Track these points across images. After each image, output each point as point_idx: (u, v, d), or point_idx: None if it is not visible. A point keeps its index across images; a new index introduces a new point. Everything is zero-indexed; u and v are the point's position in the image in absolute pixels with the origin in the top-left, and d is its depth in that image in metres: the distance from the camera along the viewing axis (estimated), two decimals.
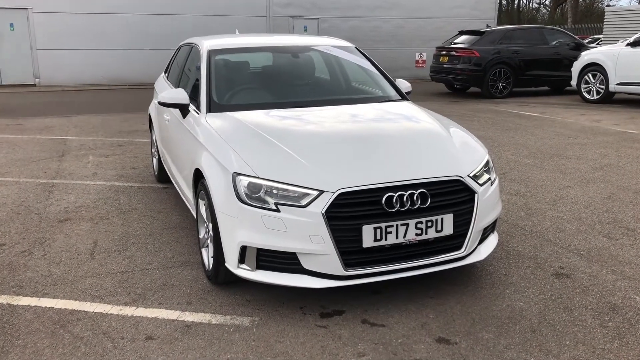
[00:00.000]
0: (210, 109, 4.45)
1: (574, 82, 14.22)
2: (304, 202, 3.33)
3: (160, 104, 4.69)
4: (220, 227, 3.59)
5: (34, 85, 19.24)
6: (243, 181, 3.46)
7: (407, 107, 4.76)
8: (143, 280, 4.02)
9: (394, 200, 3.37)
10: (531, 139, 9.14)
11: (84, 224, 5.23)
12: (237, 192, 3.45)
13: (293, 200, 3.35)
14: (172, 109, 5.10)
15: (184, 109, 4.70)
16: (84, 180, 6.77)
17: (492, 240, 3.95)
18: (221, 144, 3.82)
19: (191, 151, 4.29)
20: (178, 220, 5.31)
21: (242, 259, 3.51)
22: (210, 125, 4.16)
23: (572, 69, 14.27)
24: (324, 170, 3.45)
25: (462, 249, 3.59)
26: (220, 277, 3.75)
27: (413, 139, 4.03)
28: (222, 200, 3.57)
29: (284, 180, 3.39)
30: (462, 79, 15.42)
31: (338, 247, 3.30)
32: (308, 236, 3.30)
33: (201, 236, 4.10)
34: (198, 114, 4.47)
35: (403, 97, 5.11)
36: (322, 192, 3.33)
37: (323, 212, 3.28)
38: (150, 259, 4.40)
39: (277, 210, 3.34)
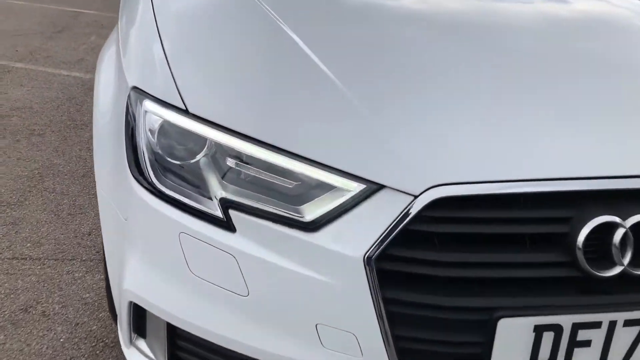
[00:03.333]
0: None
1: None
2: (314, 213, 1.05)
3: None
4: (104, 238, 1.40)
5: None
6: (151, 116, 1.20)
7: None
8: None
9: (613, 241, 1.03)
10: None
11: (1, 140, 3.18)
12: (134, 144, 1.21)
13: (284, 203, 1.08)
14: None
15: None
16: (57, 68, 4.68)
17: None
18: (144, 15, 1.51)
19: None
20: None
21: (138, 330, 1.31)
22: None
23: None
24: (410, 134, 1.11)
25: None
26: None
27: None
28: (102, 161, 1.37)
29: (265, 136, 1.10)
30: None
31: None
32: (314, 325, 1.05)
33: None
34: None
35: None
36: (377, 188, 1.04)
37: (370, 256, 1.00)
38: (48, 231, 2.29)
39: (230, 228, 1.08)
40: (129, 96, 1.28)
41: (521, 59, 1.35)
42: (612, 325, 1.06)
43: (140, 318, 1.29)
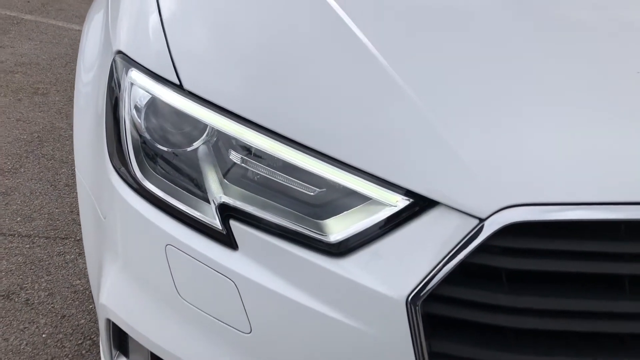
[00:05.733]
0: None
1: None
2: (341, 232, 0.77)
3: None
4: (83, 234, 1.15)
5: None
6: (138, 90, 0.93)
7: None
8: None
9: None
10: None
11: (2, 98, 2.95)
12: (117, 124, 0.94)
13: (301, 215, 0.81)
14: None
15: None
16: (69, 22, 4.41)
17: None
18: None
19: None
20: None
21: (120, 347, 1.07)
22: None
23: None
24: (482, 136, 0.80)
25: None
26: None
27: None
28: (81, 137, 1.11)
29: (281, 127, 0.82)
30: None
31: None
32: None
33: None
34: None
35: None
36: (429, 205, 0.77)
37: (416, 297, 0.75)
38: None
39: (231, 244, 0.82)
40: (113, 61, 1.01)
41: (623, 50, 1.02)
42: None
43: (121, 334, 1.05)
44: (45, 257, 1.89)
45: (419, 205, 0.77)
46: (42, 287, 1.76)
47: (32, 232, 2.00)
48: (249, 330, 0.84)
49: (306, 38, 0.95)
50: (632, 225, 0.77)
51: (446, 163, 0.77)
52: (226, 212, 0.83)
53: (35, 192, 2.23)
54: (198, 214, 0.86)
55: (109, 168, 0.96)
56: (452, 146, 0.78)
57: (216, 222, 0.84)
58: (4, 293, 1.73)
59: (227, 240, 0.84)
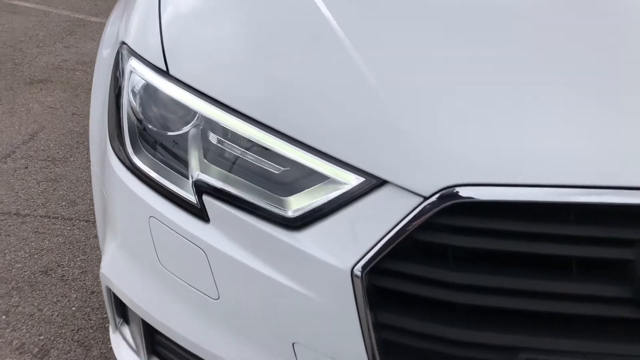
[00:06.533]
0: None
1: None
2: (299, 208, 0.83)
3: None
4: (95, 211, 1.27)
5: None
6: (135, 78, 1.02)
7: None
8: None
9: None
10: None
11: (59, 94, 3.18)
12: (118, 108, 1.04)
13: (267, 191, 0.88)
14: None
15: None
16: None
17: None
18: None
19: None
20: None
21: (123, 315, 1.17)
22: None
23: None
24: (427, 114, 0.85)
25: None
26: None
27: None
28: (94, 120, 1.21)
29: (251, 110, 0.89)
30: None
31: None
32: (290, 344, 0.85)
33: None
34: None
35: None
36: (379, 184, 0.81)
37: (361, 268, 0.80)
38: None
39: (203, 217, 0.90)
40: (118, 52, 1.11)
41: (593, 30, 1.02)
42: None
43: (123, 304, 1.15)
44: (83, 238, 2.04)
45: (370, 184, 0.82)
46: (77, 266, 1.91)
47: (73, 216, 2.16)
48: (217, 297, 0.91)
49: (278, 27, 1.01)
50: (580, 208, 0.78)
51: (395, 144, 0.82)
52: (200, 187, 0.91)
53: (81, 180, 2.40)
54: (178, 189, 0.94)
55: (109, 149, 1.05)
56: (401, 128, 0.82)
57: (192, 197, 0.92)
58: (43, 269, 1.88)
59: (200, 214, 0.91)
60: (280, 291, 0.85)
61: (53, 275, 1.86)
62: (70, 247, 1.99)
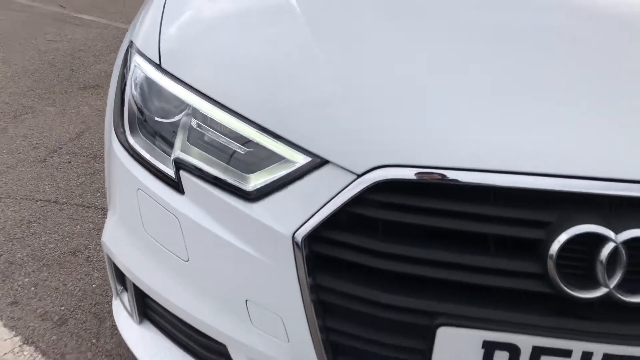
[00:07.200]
0: None
1: None
2: (256, 183, 0.97)
3: None
4: (105, 181, 1.44)
5: None
6: (137, 71, 1.19)
7: None
8: None
9: (599, 258, 0.84)
10: None
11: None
12: (123, 97, 1.22)
13: (234, 169, 1.02)
14: None
15: None
16: None
17: None
18: None
19: None
20: None
21: (123, 282, 1.33)
22: None
23: None
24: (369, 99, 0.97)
25: None
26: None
27: None
28: (109, 109, 1.39)
29: (222, 97, 1.04)
30: None
31: None
32: (244, 301, 0.98)
33: None
34: None
35: None
36: (322, 163, 0.94)
37: (300, 235, 0.93)
38: None
39: (179, 190, 1.05)
40: (127, 50, 1.28)
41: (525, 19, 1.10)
42: (587, 356, 0.86)
43: (118, 270, 1.30)
44: None
45: (315, 163, 0.94)
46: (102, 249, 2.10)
47: (105, 206, 2.36)
48: (187, 259, 1.05)
49: (253, 20, 1.15)
50: (500, 191, 0.88)
51: (335, 127, 0.94)
52: (178, 164, 1.06)
53: None
54: (162, 165, 1.09)
55: (113, 137, 1.22)
56: (340, 113, 0.94)
57: (171, 172, 1.07)
58: (72, 250, 2.08)
59: (177, 186, 1.06)
60: (237, 254, 0.99)
61: (80, 256, 2.05)
62: (99, 233, 2.19)
